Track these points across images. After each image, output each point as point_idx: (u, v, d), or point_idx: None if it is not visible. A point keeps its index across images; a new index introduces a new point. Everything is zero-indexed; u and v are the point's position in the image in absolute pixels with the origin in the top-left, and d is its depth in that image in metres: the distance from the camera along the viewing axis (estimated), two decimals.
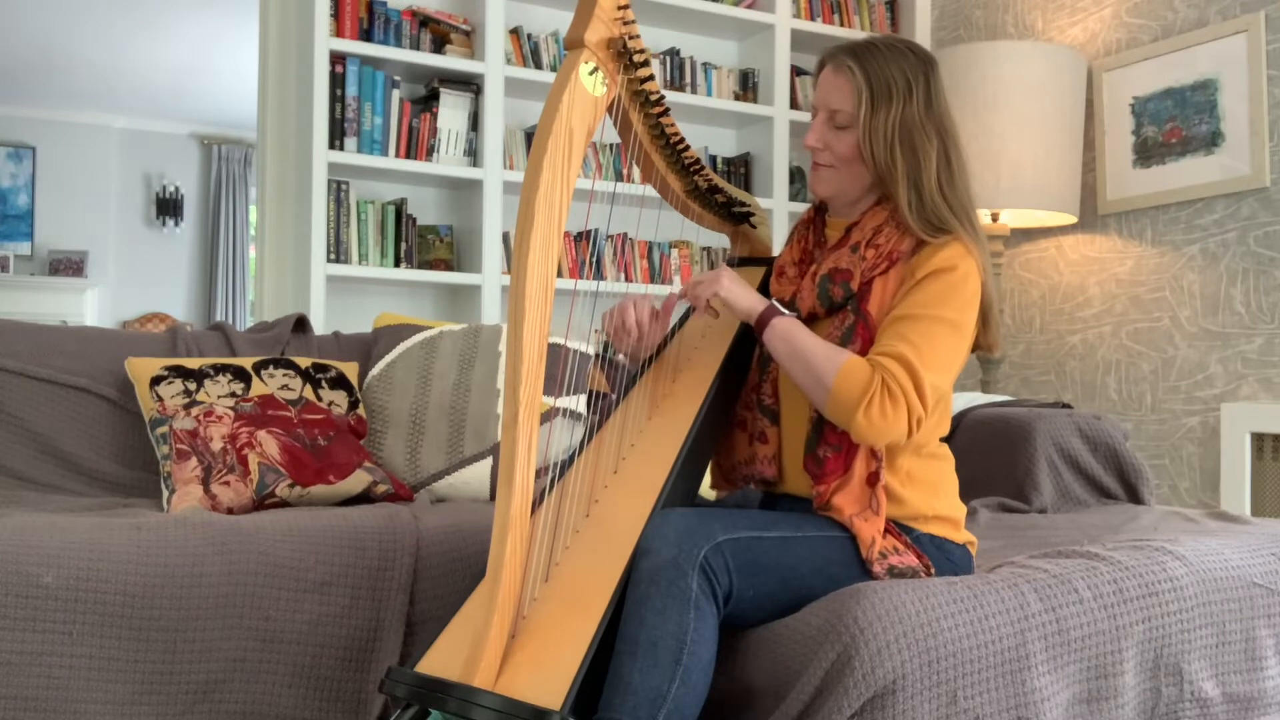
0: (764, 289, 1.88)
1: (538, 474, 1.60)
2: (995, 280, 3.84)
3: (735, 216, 2.00)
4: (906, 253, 1.67)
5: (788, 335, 1.64)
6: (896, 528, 1.67)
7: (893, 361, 1.58)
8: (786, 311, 1.68)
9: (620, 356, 1.85)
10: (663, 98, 1.69)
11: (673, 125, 1.74)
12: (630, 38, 1.58)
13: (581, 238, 3.98)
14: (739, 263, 2.05)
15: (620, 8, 1.57)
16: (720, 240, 4.16)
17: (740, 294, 1.69)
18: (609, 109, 1.60)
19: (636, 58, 1.59)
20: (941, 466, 1.75)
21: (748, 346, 1.83)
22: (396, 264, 3.69)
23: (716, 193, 1.90)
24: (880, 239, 1.69)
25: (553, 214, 1.46)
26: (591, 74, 1.53)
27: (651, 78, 1.64)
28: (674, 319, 1.93)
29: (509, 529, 1.43)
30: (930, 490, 1.71)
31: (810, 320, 1.74)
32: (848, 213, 1.79)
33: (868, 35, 1.76)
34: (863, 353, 1.65)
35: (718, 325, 1.87)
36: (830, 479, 1.64)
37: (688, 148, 1.79)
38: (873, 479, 1.63)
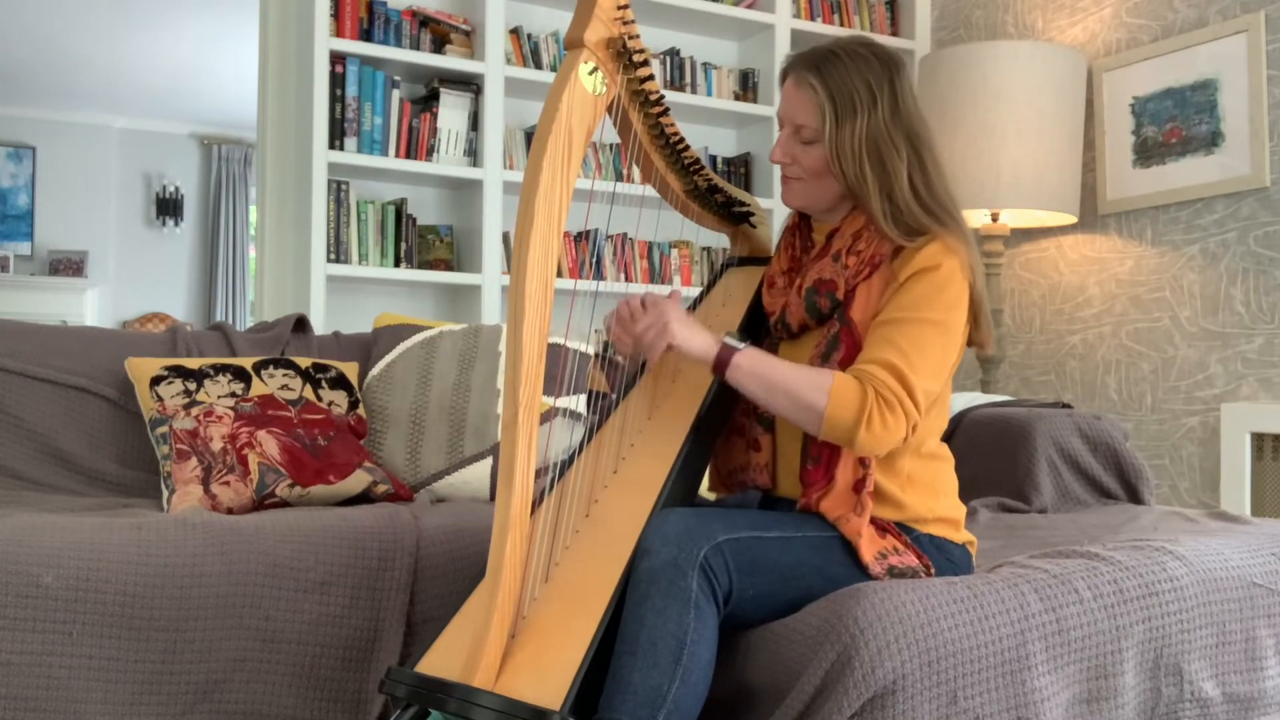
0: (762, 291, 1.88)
1: (538, 474, 1.60)
2: (995, 280, 3.85)
3: (735, 216, 2.00)
4: (888, 255, 1.66)
5: (757, 370, 1.59)
6: (897, 528, 1.67)
7: (881, 370, 1.57)
8: (740, 344, 1.61)
9: (620, 356, 1.85)
10: (662, 97, 1.69)
11: (672, 125, 1.74)
12: (630, 38, 1.58)
13: (581, 238, 3.98)
14: (738, 263, 2.05)
15: (620, 8, 1.57)
16: (720, 240, 4.16)
17: (693, 338, 1.60)
18: (609, 109, 1.60)
19: (636, 58, 1.59)
20: (941, 467, 1.75)
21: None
22: (396, 264, 3.69)
23: (716, 193, 1.90)
24: (861, 244, 1.68)
25: (552, 214, 1.46)
26: (591, 74, 1.53)
27: (651, 77, 1.64)
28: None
29: (509, 529, 1.43)
30: (930, 492, 1.70)
31: (801, 332, 1.74)
32: (828, 218, 1.78)
33: (831, 40, 1.74)
34: (848, 359, 1.63)
35: (719, 324, 1.87)
36: (813, 490, 1.65)
37: (687, 148, 1.79)
38: (859, 486, 1.62)
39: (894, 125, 1.66)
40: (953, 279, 1.63)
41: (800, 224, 1.84)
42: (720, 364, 1.60)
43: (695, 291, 4.06)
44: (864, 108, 1.65)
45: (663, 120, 1.72)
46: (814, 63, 1.69)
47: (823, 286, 1.69)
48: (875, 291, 1.66)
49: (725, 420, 1.80)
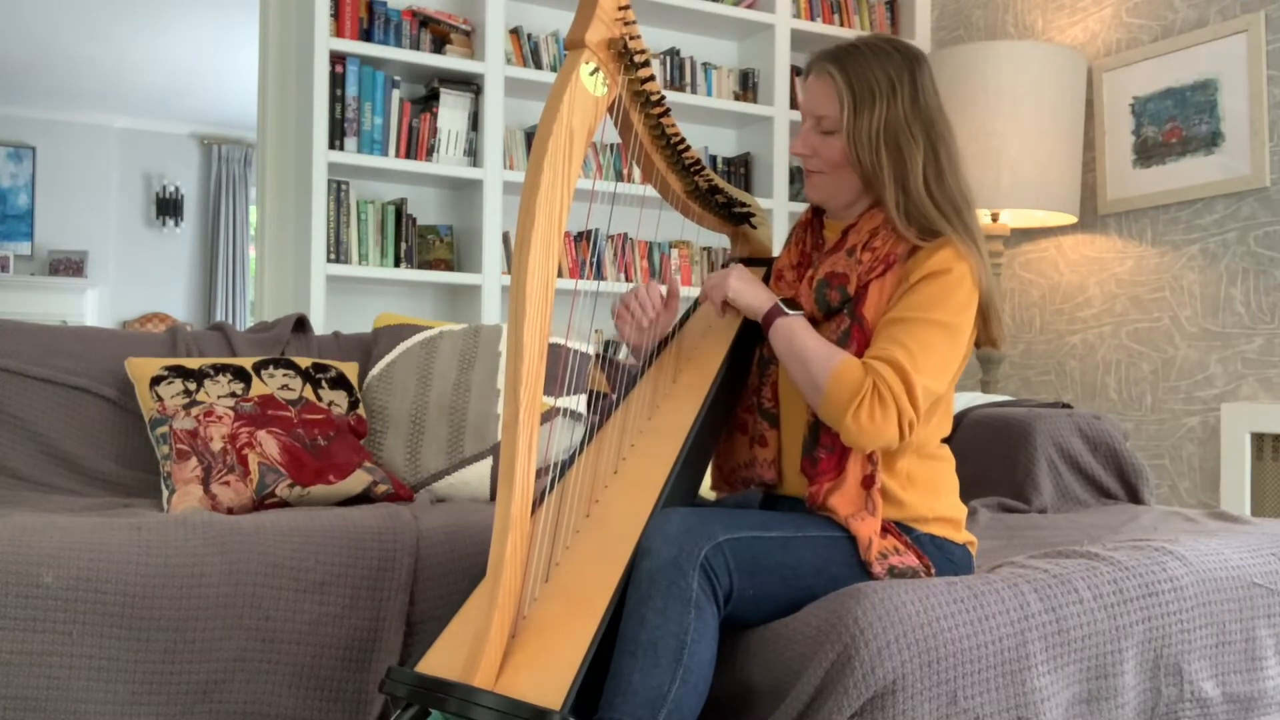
0: None
1: (538, 474, 1.60)
2: (995, 279, 3.85)
3: (735, 217, 2.00)
4: (903, 255, 1.67)
5: (788, 334, 1.65)
6: (897, 528, 1.67)
7: (884, 365, 1.58)
8: (791, 311, 1.68)
9: (623, 353, 1.85)
10: (663, 98, 1.69)
11: (673, 125, 1.74)
12: (631, 38, 1.58)
13: (581, 238, 3.98)
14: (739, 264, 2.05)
15: (621, 8, 1.57)
16: (720, 241, 4.16)
17: (747, 292, 1.71)
18: (609, 109, 1.60)
19: (637, 58, 1.59)
20: (942, 467, 1.75)
21: (749, 346, 1.83)
22: (396, 264, 3.69)
23: (717, 193, 1.90)
24: (876, 242, 1.69)
25: (553, 214, 1.46)
26: (592, 74, 1.53)
27: (652, 78, 1.64)
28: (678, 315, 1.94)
29: (509, 529, 1.43)
30: (930, 491, 1.71)
31: None
32: (844, 215, 1.79)
33: (853, 36, 1.75)
34: (858, 356, 1.64)
35: (719, 325, 1.87)
36: (823, 480, 1.64)
37: (688, 148, 1.79)
38: (868, 481, 1.63)
39: (913, 116, 1.68)
40: (963, 283, 1.65)
41: (813, 220, 1.84)
42: (767, 321, 1.69)
43: (694, 292, 4.06)
44: (882, 97, 1.67)
45: (663, 121, 1.72)
46: (834, 55, 1.72)
47: (834, 280, 1.70)
48: (887, 290, 1.67)
49: (727, 420, 1.80)
